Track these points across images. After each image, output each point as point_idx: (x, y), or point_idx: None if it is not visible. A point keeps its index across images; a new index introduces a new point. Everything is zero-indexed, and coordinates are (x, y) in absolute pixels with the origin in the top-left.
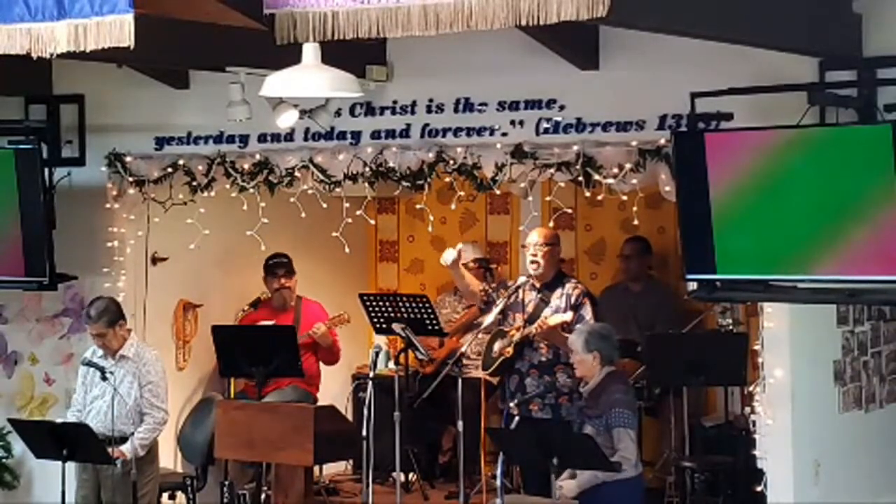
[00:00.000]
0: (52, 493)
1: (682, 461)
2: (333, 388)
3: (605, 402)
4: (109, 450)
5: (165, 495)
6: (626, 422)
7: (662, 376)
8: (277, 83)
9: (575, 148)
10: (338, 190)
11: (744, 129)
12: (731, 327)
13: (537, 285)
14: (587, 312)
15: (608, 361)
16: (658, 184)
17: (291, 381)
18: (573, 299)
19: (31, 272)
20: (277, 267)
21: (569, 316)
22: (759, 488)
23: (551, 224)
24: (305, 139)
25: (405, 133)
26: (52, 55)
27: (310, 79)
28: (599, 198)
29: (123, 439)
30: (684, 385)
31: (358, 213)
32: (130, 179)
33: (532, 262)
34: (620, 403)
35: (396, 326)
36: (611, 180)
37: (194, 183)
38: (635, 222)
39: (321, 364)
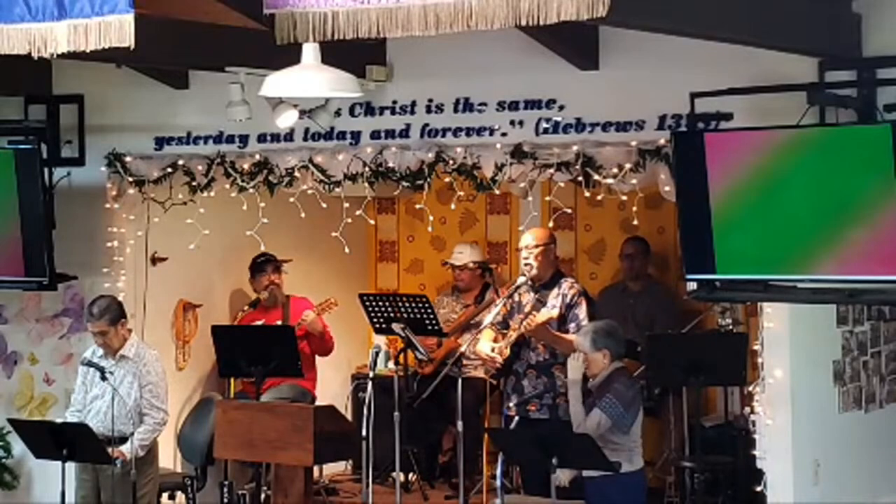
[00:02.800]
0: (52, 493)
1: (682, 461)
2: (333, 387)
3: (603, 393)
4: (109, 450)
5: (165, 495)
6: (608, 408)
7: (662, 376)
8: (277, 83)
9: (574, 148)
10: (337, 190)
11: (744, 129)
12: (730, 327)
13: (535, 286)
14: (581, 311)
15: (617, 357)
16: (658, 184)
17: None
18: (568, 298)
19: (31, 272)
20: (266, 264)
21: (556, 311)
22: (758, 488)
23: (551, 224)
24: (305, 139)
25: (405, 133)
26: (52, 55)
27: (310, 79)
28: (599, 198)
29: (123, 439)
30: (684, 385)
31: (358, 213)
32: (130, 179)
33: (525, 264)
34: (613, 391)
35: (396, 326)
36: (610, 180)
37: (194, 183)
38: (635, 222)
39: (317, 357)
